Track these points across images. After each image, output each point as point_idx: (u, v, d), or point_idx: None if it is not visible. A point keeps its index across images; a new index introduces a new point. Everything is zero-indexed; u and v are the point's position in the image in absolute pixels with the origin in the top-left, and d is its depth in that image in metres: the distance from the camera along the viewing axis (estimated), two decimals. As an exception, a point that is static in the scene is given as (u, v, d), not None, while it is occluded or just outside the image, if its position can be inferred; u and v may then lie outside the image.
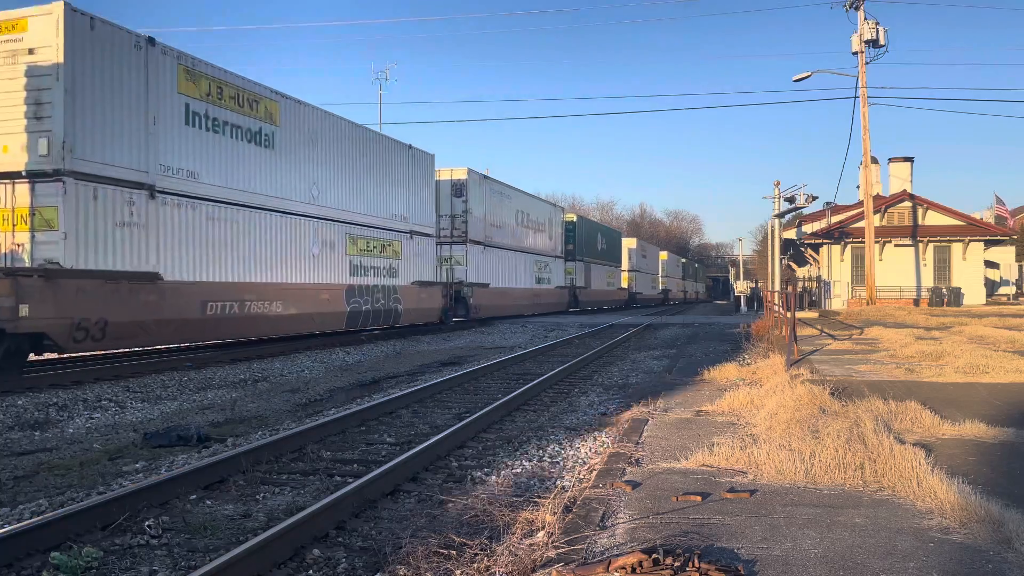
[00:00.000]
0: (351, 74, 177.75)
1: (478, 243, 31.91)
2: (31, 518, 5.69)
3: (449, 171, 30.58)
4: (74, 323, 12.83)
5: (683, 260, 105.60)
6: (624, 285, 63.16)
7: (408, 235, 25.70)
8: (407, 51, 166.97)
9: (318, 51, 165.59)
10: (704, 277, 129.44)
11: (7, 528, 5.25)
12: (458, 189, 30.65)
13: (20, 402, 10.97)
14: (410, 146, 25.98)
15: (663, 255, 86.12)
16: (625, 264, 64.51)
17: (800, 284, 51.57)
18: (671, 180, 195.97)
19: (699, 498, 5.10)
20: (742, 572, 3.69)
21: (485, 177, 32.70)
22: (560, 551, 4.19)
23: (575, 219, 49.06)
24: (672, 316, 42.55)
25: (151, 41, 14.97)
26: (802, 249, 46.66)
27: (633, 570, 3.71)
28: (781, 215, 39.85)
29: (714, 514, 4.77)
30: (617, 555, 3.93)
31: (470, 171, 30.99)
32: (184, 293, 15.46)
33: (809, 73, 34.82)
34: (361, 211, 22.62)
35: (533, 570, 4.04)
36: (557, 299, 43.20)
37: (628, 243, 67.61)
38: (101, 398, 11.50)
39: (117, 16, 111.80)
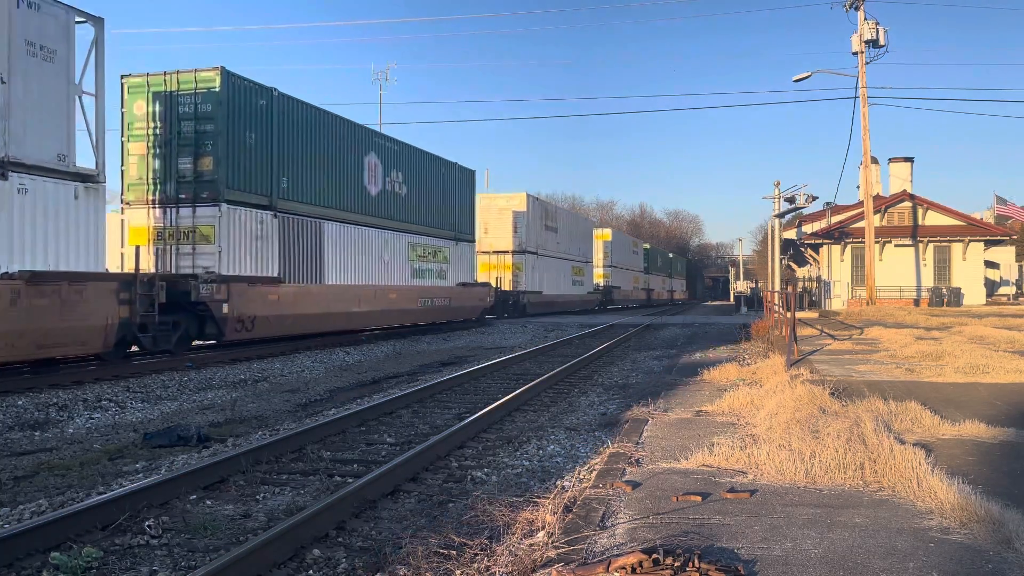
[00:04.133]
0: (351, 74, 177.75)
1: None
2: (31, 518, 5.69)
3: None
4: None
5: (646, 246, 75.10)
6: (487, 279, 35.38)
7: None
8: (407, 51, 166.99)
9: (318, 51, 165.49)
10: (683, 270, 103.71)
11: (7, 528, 5.25)
12: None
13: (20, 402, 10.97)
14: None
15: (603, 234, 55.81)
16: (502, 242, 37.10)
17: (800, 284, 51.61)
18: (671, 180, 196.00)
19: (699, 498, 5.10)
20: (742, 572, 3.69)
21: None
22: (560, 551, 4.19)
23: (276, 93, 18.16)
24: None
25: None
26: (802, 249, 46.67)
27: (633, 570, 3.71)
28: (781, 215, 39.86)
29: (714, 514, 4.77)
30: (617, 555, 3.92)
31: None
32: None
33: (809, 73, 34.92)
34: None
35: (533, 570, 4.03)
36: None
37: (505, 201, 37.67)
38: (101, 398, 11.49)
39: (117, 15, 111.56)
